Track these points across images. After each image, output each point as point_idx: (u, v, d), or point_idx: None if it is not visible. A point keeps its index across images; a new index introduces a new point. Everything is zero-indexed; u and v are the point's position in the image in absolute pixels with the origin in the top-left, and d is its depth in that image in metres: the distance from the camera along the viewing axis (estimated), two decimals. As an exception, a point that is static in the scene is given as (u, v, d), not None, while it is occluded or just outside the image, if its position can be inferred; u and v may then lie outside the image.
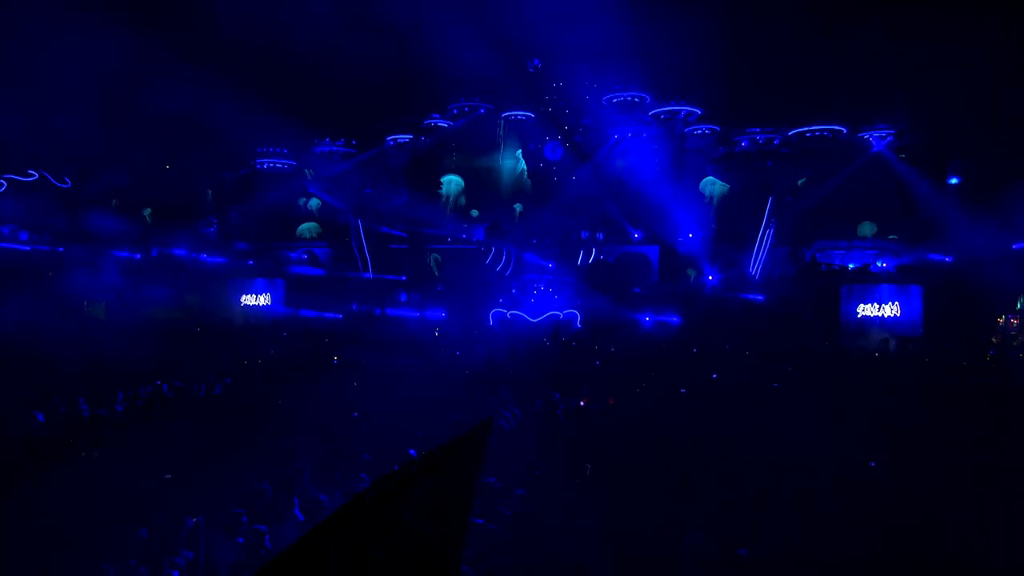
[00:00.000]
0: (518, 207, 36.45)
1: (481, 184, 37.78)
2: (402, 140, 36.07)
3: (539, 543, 6.66)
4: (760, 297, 30.13)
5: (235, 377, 16.25)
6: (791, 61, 29.67)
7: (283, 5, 31.34)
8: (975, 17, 28.39)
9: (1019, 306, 31.83)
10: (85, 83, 32.65)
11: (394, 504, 1.70)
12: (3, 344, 20.28)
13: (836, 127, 32.36)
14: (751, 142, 32.62)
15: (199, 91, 32.08)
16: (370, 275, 34.12)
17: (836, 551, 6.45)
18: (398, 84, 33.04)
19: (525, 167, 36.07)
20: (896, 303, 28.80)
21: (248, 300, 32.58)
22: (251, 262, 33.55)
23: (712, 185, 34.92)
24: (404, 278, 33.52)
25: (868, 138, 32.72)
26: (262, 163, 36.37)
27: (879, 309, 29.01)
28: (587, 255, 33.53)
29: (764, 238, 31.63)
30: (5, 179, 30.21)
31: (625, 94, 34.44)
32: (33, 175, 30.70)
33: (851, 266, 30.96)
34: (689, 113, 33.89)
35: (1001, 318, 31.42)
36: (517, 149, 36.61)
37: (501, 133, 36.80)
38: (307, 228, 37.35)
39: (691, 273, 34.23)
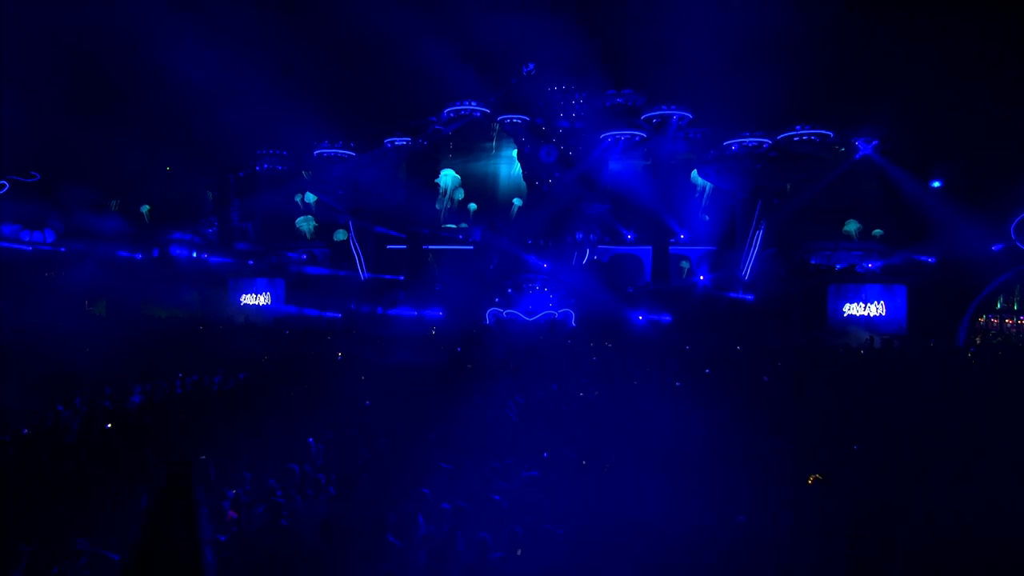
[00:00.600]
0: (516, 202, 37.10)
1: (478, 185, 38.50)
2: (400, 143, 36.67)
3: (549, 512, 7.28)
4: (750, 297, 30.90)
5: (246, 372, 16.82)
6: (782, 67, 30.51)
7: (284, 10, 31.94)
8: (960, 27, 29.42)
9: (999, 306, 32.88)
10: (87, 85, 33.15)
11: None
12: (10, 341, 20.69)
13: (824, 132, 33.22)
14: (741, 146, 33.43)
15: (201, 93, 32.65)
16: (367, 275, 34.65)
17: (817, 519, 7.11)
18: (397, 88, 33.73)
19: (520, 169, 36.72)
20: (881, 302, 29.58)
21: (248, 299, 33.02)
22: (251, 262, 33.98)
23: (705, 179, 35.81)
24: (402, 278, 34.04)
25: (855, 142, 33.65)
26: (262, 164, 36.88)
27: (865, 308, 29.79)
28: (581, 255, 34.17)
29: (754, 239, 32.38)
30: (7, 180, 30.53)
31: (618, 98, 35.25)
32: (35, 176, 31.07)
33: (838, 266, 31.76)
34: (681, 117, 34.70)
35: (982, 318, 32.42)
36: (512, 152, 37.29)
37: (496, 136, 37.52)
38: (304, 220, 37.75)
39: (685, 266, 35.02)
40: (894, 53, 32.41)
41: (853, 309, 29.89)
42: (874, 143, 33.34)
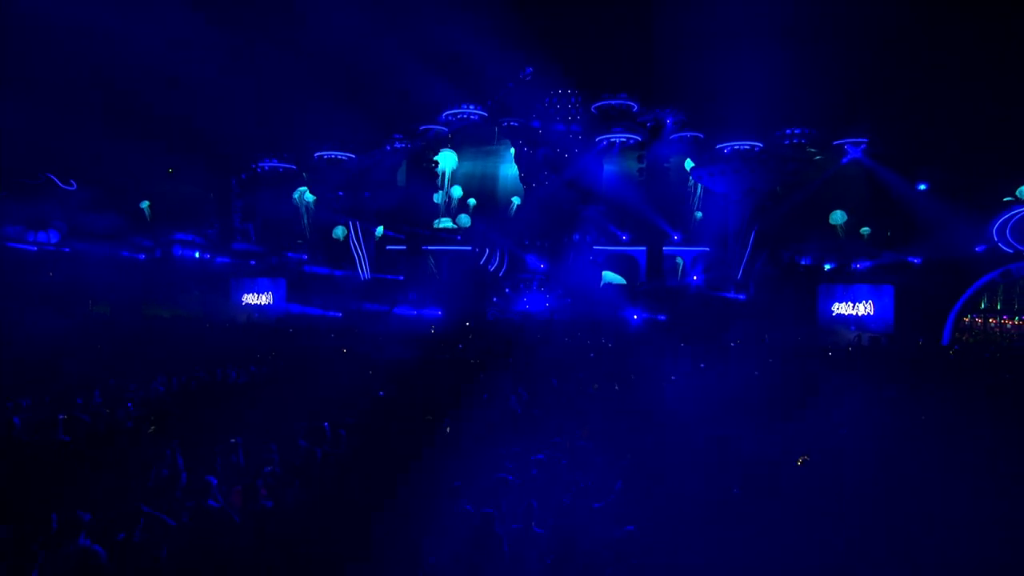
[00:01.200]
0: (515, 200, 37.74)
1: (477, 186, 39.18)
2: (399, 145, 37.27)
3: (556, 488, 7.96)
4: (742, 296, 31.68)
5: (257, 367, 17.41)
6: (774, 72, 31.27)
7: (286, 17, 32.50)
8: (951, 31, 30.27)
9: (983, 305, 33.77)
10: (90, 87, 33.58)
11: None
12: (20, 339, 21.19)
13: (814, 135, 34.06)
14: (733, 149, 34.21)
15: (204, 96, 33.15)
16: (368, 275, 35.23)
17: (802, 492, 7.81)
18: (396, 91, 34.31)
19: (518, 171, 37.41)
20: (869, 301, 30.37)
21: (250, 299, 33.53)
22: (253, 262, 34.50)
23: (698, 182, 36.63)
24: (402, 278, 34.65)
25: (844, 146, 34.49)
26: (263, 166, 37.43)
27: (853, 307, 30.60)
28: (577, 256, 34.87)
29: (746, 240, 33.14)
30: (13, 181, 30.93)
31: (614, 101, 35.99)
32: (40, 177, 31.49)
33: (827, 267, 32.54)
34: (675, 120, 35.48)
35: (967, 317, 33.31)
36: (510, 153, 37.99)
37: (495, 139, 38.23)
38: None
39: (680, 262, 35.77)
40: (883, 57, 33.20)
41: (842, 308, 30.70)
42: (862, 146, 34.18)
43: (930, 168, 31.77)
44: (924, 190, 32.31)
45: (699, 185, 36.80)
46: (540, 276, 33.77)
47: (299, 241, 37.81)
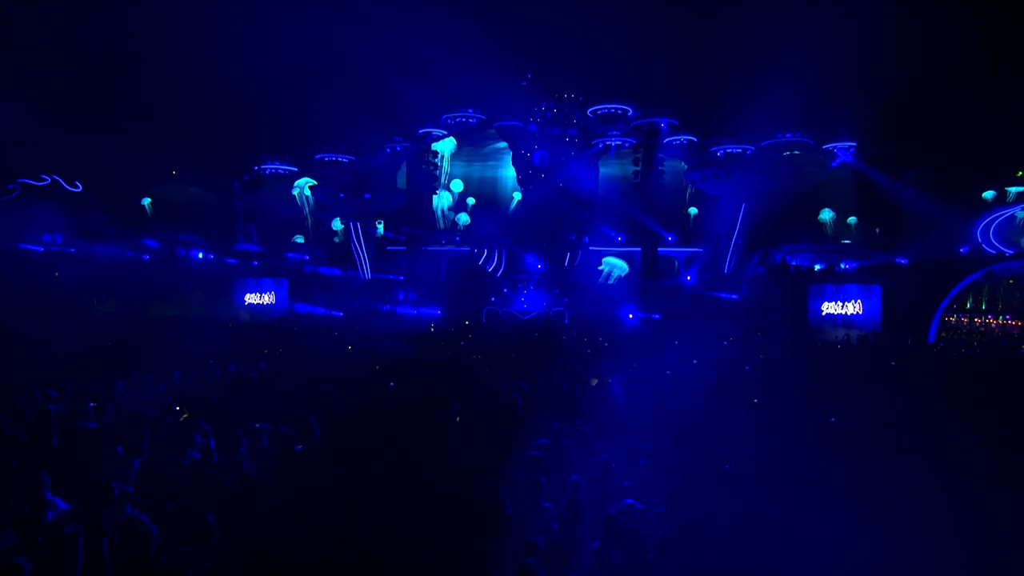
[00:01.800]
0: (516, 196, 38.39)
1: (476, 188, 39.89)
2: (399, 148, 37.95)
3: (585, 466, 8.64)
4: (734, 296, 32.45)
5: (266, 362, 18.08)
6: (766, 78, 32.06)
7: (287, 25, 33.13)
8: (943, 34, 31.08)
9: (969, 305, 34.67)
10: (98, 91, 34.13)
11: None
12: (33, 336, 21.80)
13: (804, 140, 34.90)
14: (726, 152, 35.00)
15: (207, 100, 33.75)
16: (369, 275, 35.86)
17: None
18: (397, 95, 34.95)
19: (515, 173, 38.10)
20: (858, 301, 31.11)
21: (253, 299, 34.09)
22: (256, 262, 35.07)
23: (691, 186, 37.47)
24: (402, 278, 35.27)
25: (833, 150, 35.34)
26: (266, 168, 38.07)
27: (842, 307, 31.35)
28: (574, 256, 35.58)
29: (738, 241, 33.92)
30: (20, 183, 31.47)
31: (609, 106, 36.74)
32: (46, 179, 32.02)
33: (817, 267, 33.33)
34: (669, 124, 36.25)
35: (953, 316, 34.20)
36: (508, 156, 38.69)
37: (493, 142, 38.92)
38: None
39: (676, 262, 36.54)
40: (873, 62, 34.01)
41: (831, 308, 31.44)
42: (851, 150, 35.02)
43: (916, 171, 32.57)
44: (911, 193, 33.11)
45: (693, 187, 37.60)
46: (538, 276, 34.41)
47: (301, 240, 38.42)
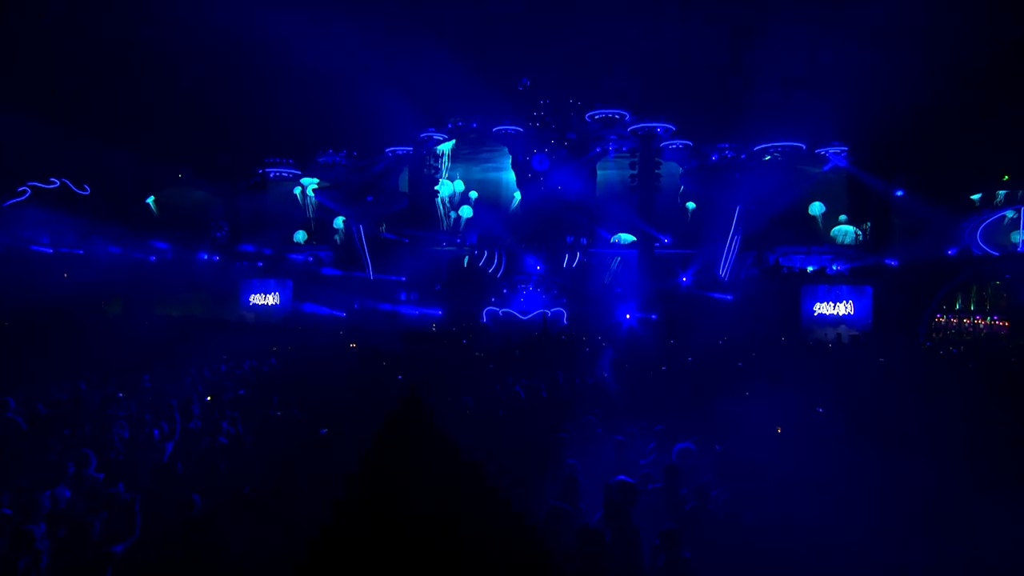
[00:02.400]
0: (517, 196, 39.08)
1: (475, 190, 40.59)
2: (400, 152, 38.68)
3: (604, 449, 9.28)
4: (729, 296, 33.17)
5: (278, 359, 18.76)
6: (759, 83, 32.88)
7: (290, 31, 33.81)
8: (935, 36, 31.83)
9: (958, 306, 35.41)
10: (107, 97, 34.80)
11: None
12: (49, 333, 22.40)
13: (796, 144, 35.69)
14: (721, 156, 35.76)
15: (211, 104, 34.42)
16: (372, 276, 36.53)
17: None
18: (398, 100, 35.68)
19: (515, 177, 38.86)
20: (849, 301, 31.80)
21: (258, 299, 34.71)
22: (260, 263, 35.74)
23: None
24: (404, 279, 35.93)
25: (825, 154, 36.13)
26: (270, 171, 38.78)
27: (834, 307, 32.04)
28: (572, 258, 36.28)
29: (732, 243, 34.65)
30: (29, 186, 32.11)
31: (607, 111, 37.51)
32: (55, 183, 32.66)
33: (810, 269, 34.08)
34: (665, 129, 37.01)
35: (942, 317, 34.94)
36: (507, 160, 39.43)
37: (494, 145, 39.65)
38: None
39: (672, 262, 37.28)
40: (864, 67, 34.77)
41: (823, 308, 32.14)
42: (843, 154, 35.79)
43: (906, 175, 33.32)
44: (900, 196, 33.87)
45: (688, 190, 38.37)
46: (537, 277, 35.05)
47: (303, 236, 39.05)
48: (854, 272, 32.87)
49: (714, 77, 34.18)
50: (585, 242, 36.52)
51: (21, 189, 32.18)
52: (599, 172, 39.30)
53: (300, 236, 39.45)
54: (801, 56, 30.88)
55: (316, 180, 39.16)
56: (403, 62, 34.15)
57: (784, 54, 31.29)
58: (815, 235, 35.96)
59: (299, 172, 39.23)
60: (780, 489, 6.86)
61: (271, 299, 34.67)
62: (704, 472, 7.81)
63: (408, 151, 38.76)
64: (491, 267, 35.84)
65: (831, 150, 35.91)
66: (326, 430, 9.21)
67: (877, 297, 31.34)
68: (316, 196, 39.18)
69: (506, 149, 38.82)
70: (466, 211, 39.25)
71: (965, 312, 34.80)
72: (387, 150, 38.81)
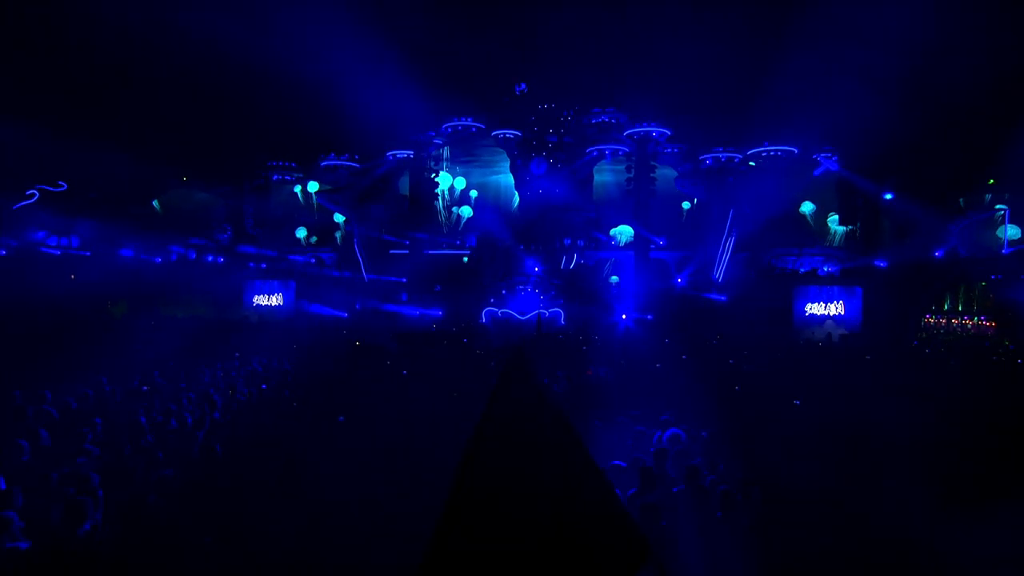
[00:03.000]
0: (515, 198, 39.76)
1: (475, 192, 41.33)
2: (401, 155, 39.38)
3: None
4: (722, 297, 33.93)
5: (285, 358, 19.44)
6: (755, 88, 33.52)
7: (291, 37, 34.45)
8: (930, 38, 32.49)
9: (946, 307, 36.25)
10: (110, 100, 35.38)
11: None
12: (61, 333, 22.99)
13: (789, 148, 36.48)
14: (715, 160, 36.52)
15: (214, 107, 35.03)
16: (372, 277, 37.15)
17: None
18: (398, 103, 36.30)
19: (513, 180, 39.56)
20: (841, 302, 32.59)
21: (262, 300, 35.35)
22: (264, 265, 36.39)
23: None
24: (404, 280, 36.59)
25: (817, 158, 36.89)
26: (272, 174, 39.45)
27: (825, 308, 32.84)
28: (569, 260, 37.00)
29: (726, 245, 35.41)
30: (37, 189, 32.68)
31: (603, 116, 38.27)
32: (62, 185, 33.23)
33: (802, 270, 34.83)
34: (660, 133, 37.76)
35: (932, 318, 35.76)
36: (506, 163, 40.16)
37: (492, 149, 40.37)
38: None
39: (668, 264, 38.02)
40: (855, 72, 35.42)
41: (815, 309, 32.95)
42: (834, 157, 36.56)
43: (895, 179, 34.06)
44: (890, 198, 34.62)
45: (683, 193, 39.13)
46: (535, 279, 35.72)
47: (303, 233, 39.64)
48: (845, 273, 33.63)
49: (710, 83, 34.82)
50: (582, 244, 37.23)
51: (30, 192, 32.74)
52: (596, 176, 40.05)
53: (301, 233, 40.01)
54: (796, 61, 31.52)
55: (318, 184, 39.80)
56: (403, 65, 34.68)
57: (779, 59, 31.97)
58: (807, 237, 36.68)
59: (301, 175, 39.92)
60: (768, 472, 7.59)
61: (275, 300, 35.30)
62: (695, 455, 8.55)
63: (409, 155, 39.44)
64: (490, 268, 36.50)
65: (822, 154, 36.69)
66: (343, 417, 9.92)
67: (867, 297, 32.11)
68: (318, 198, 39.84)
69: (505, 153, 39.54)
70: (466, 211, 39.92)
71: (953, 312, 35.61)
72: (388, 153, 39.49)
